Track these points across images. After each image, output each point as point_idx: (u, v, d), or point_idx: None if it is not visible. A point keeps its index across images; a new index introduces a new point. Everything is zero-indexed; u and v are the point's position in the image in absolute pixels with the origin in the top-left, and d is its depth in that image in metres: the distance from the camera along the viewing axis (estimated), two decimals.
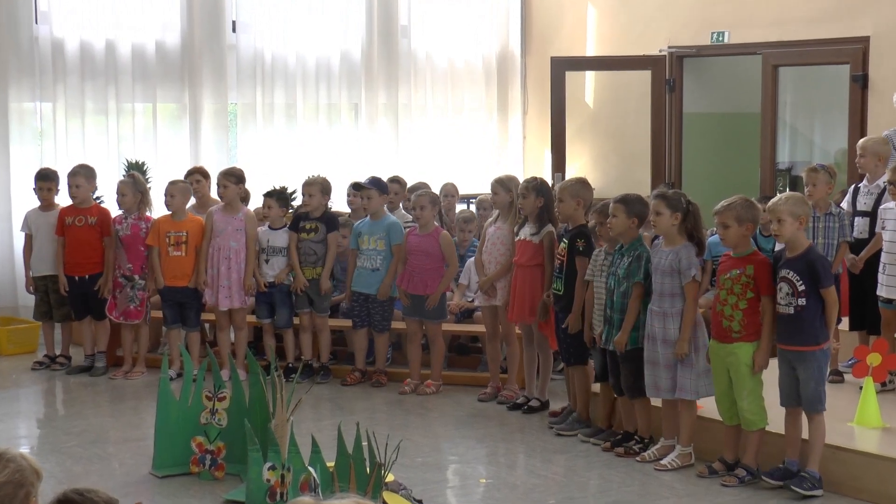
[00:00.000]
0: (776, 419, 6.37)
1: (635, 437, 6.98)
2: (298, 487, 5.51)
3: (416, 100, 12.58)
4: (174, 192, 8.96)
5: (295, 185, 9.68)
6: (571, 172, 12.14)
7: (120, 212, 9.19)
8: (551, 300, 7.62)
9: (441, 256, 8.51)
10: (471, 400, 8.28)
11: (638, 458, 6.81)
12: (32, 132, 11.00)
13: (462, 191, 11.06)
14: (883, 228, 7.53)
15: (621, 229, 6.91)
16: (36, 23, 10.73)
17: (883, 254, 7.49)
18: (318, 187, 8.91)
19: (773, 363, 6.38)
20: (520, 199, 7.89)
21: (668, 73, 12.17)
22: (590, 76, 12.98)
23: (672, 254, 6.63)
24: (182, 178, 9.41)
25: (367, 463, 5.57)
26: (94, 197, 9.49)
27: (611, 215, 6.93)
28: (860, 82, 10.62)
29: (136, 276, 9.03)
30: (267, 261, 8.93)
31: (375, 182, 8.77)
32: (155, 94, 11.26)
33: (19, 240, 9.92)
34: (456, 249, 8.85)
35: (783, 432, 6.33)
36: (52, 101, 10.86)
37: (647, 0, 12.30)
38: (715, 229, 6.76)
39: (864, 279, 7.75)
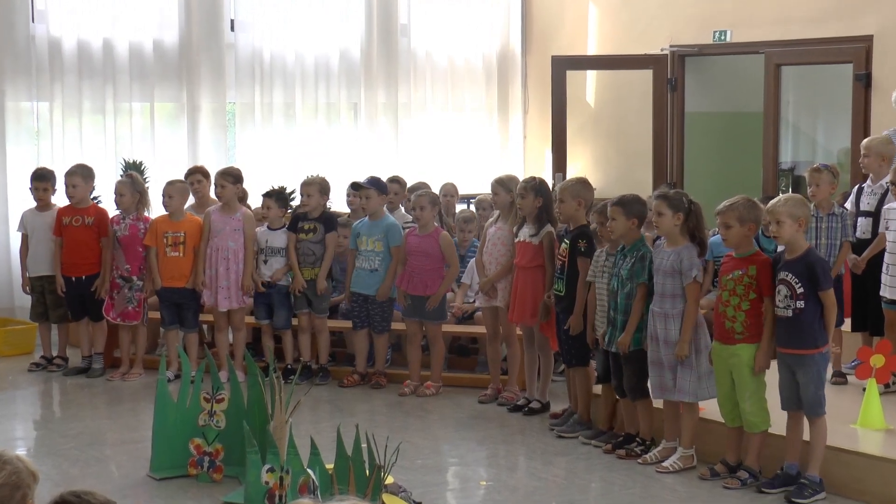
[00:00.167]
0: (779, 421, 6.33)
1: (637, 439, 6.94)
2: (297, 490, 5.48)
3: (415, 99, 12.55)
4: (172, 193, 8.91)
5: (294, 184, 9.65)
6: (572, 172, 12.11)
7: (117, 212, 9.15)
8: (552, 301, 7.57)
9: (441, 257, 8.47)
10: (471, 401, 8.25)
11: (639, 461, 6.78)
12: (29, 132, 10.97)
13: (462, 191, 11.04)
14: (887, 229, 7.49)
15: (622, 231, 6.87)
16: (32, 21, 10.70)
17: (886, 254, 7.46)
18: (317, 187, 8.87)
19: (776, 365, 6.33)
20: (518, 200, 7.84)
21: (670, 72, 12.15)
22: (591, 75, 12.96)
23: (674, 254, 6.59)
24: (180, 177, 9.36)
25: (367, 465, 5.54)
26: (92, 197, 9.45)
27: (609, 219, 6.89)
28: (863, 81, 10.59)
29: (134, 278, 8.99)
30: (266, 261, 8.88)
31: (374, 182, 8.72)
32: (153, 93, 11.23)
33: (16, 240, 9.88)
34: (456, 249, 8.80)
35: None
36: (49, 101, 10.83)
37: None
38: (717, 229, 6.71)
39: (867, 280, 7.72)
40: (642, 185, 10.77)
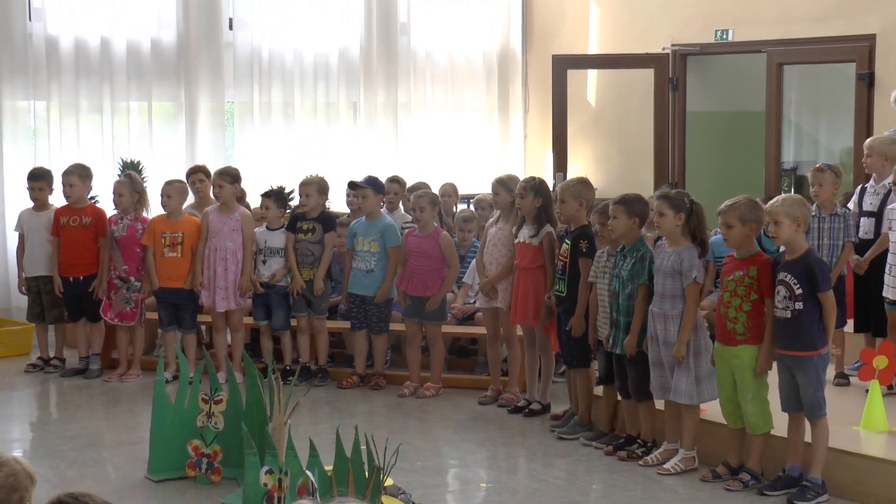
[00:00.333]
0: (781, 423, 6.31)
1: (638, 440, 6.91)
2: (296, 491, 5.47)
3: (415, 98, 12.51)
4: (170, 193, 8.87)
5: (293, 184, 9.60)
6: (573, 172, 12.07)
7: (115, 212, 9.10)
8: (553, 302, 7.53)
9: (441, 257, 8.43)
10: (471, 403, 8.22)
11: (641, 462, 6.75)
12: (26, 131, 10.93)
13: (462, 191, 11.01)
14: (890, 229, 7.46)
15: (623, 230, 6.84)
16: (30, 20, 10.65)
17: (889, 255, 7.43)
18: (315, 187, 8.83)
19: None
20: (517, 199, 7.80)
21: (672, 71, 12.11)
22: (592, 74, 12.92)
23: (674, 255, 6.56)
24: (178, 177, 9.31)
25: (366, 467, 5.52)
26: (90, 197, 9.40)
27: (611, 217, 6.86)
28: (866, 81, 10.55)
29: (132, 278, 8.94)
30: (264, 262, 8.83)
31: (371, 181, 8.68)
32: (150, 92, 11.17)
33: (13, 240, 9.84)
34: (456, 249, 8.76)
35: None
36: (46, 100, 10.78)
37: None
38: (718, 229, 6.67)
39: (869, 280, 7.69)
40: (643, 185, 10.73)
